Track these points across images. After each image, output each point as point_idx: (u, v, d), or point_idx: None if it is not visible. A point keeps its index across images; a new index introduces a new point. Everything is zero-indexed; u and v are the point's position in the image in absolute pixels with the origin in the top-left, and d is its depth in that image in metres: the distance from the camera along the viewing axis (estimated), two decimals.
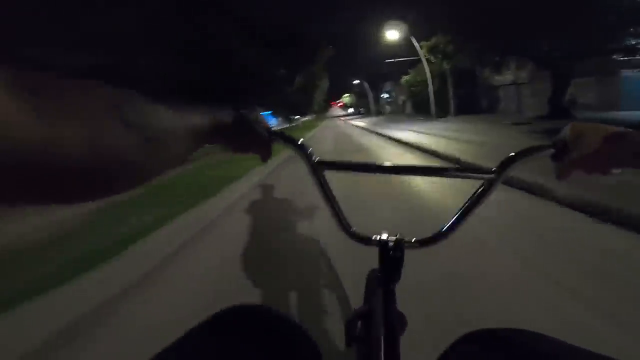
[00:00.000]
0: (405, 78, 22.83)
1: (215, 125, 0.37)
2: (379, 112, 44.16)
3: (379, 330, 0.41)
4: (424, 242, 0.49)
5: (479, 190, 0.46)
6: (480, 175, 0.46)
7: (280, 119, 27.35)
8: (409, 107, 32.26)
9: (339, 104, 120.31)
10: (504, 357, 0.37)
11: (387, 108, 43.51)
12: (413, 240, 0.49)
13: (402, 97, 35.50)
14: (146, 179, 0.25)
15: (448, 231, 0.47)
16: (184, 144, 0.30)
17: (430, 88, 17.44)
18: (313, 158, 0.49)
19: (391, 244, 0.48)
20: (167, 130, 0.27)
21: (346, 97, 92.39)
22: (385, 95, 46.35)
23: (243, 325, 0.44)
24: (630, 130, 0.38)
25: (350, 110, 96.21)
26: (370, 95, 45.82)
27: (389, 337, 0.41)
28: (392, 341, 0.40)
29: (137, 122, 0.23)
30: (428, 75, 17.23)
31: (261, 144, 0.45)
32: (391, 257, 0.47)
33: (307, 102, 28.44)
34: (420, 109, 22.14)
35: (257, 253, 2.25)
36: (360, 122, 25.52)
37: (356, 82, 47.17)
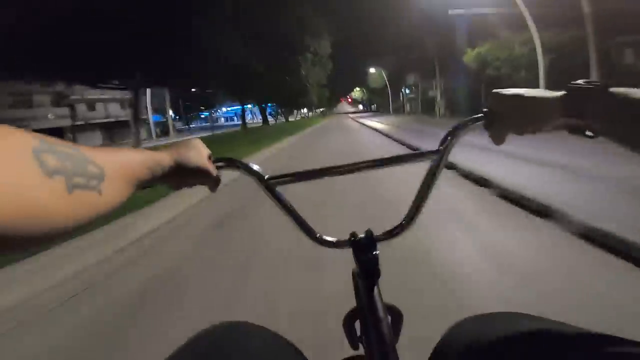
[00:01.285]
0: (478, 50, 13.56)
1: (152, 166, 0.35)
2: (398, 111, 35.79)
3: (375, 327, 0.41)
4: (394, 232, 0.51)
5: (430, 170, 0.48)
6: (427, 156, 0.49)
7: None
8: (440, 108, 24.16)
9: (349, 100, 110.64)
10: (502, 341, 0.38)
11: (406, 106, 35.22)
12: (383, 234, 0.50)
13: (432, 92, 27.21)
14: (68, 232, 0.23)
15: (413, 216, 0.50)
16: (115, 189, 0.28)
17: (541, 62, 9.06)
18: (262, 176, 0.49)
19: (363, 240, 0.48)
20: (95, 175, 0.25)
21: (357, 91, 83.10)
22: (407, 91, 37.95)
23: (228, 343, 0.44)
24: (550, 92, 0.40)
25: (360, 107, 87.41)
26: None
27: (382, 333, 0.41)
28: (389, 336, 0.41)
29: (58, 169, 0.21)
30: (538, 45, 8.87)
31: (207, 176, 0.44)
32: (367, 255, 0.46)
33: (298, 95, 23.67)
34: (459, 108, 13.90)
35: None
36: (375, 123, 18.72)
37: (372, 70, 38.65)
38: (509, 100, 0.43)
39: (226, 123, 64.93)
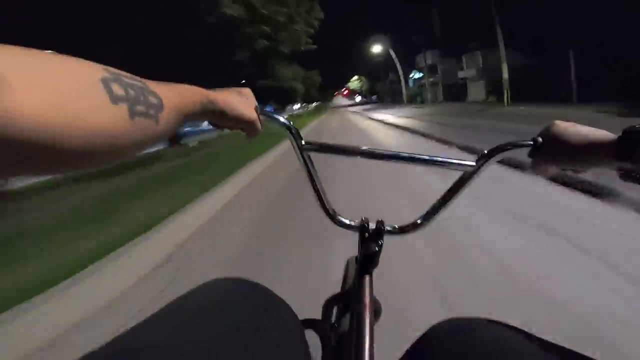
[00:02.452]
0: None
1: (203, 103, 0.37)
2: (408, 101, 28.52)
3: (354, 316, 0.42)
4: (404, 230, 0.51)
5: (459, 180, 0.48)
6: (461, 166, 0.47)
7: None
8: (475, 93, 17.06)
9: (344, 92, 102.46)
10: (474, 346, 0.38)
11: (412, 97, 27.95)
12: (393, 227, 0.50)
13: (463, 73, 20.04)
14: (128, 154, 0.25)
15: (428, 218, 0.50)
16: (171, 119, 0.30)
17: None
18: (300, 139, 0.49)
19: (372, 229, 0.48)
20: (154, 106, 0.26)
21: (354, 81, 74.69)
22: (417, 75, 30.68)
23: (223, 296, 0.45)
24: (605, 132, 0.40)
25: (358, 98, 79.48)
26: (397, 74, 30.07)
27: (362, 322, 0.41)
28: (365, 327, 0.40)
29: (123, 97, 0.23)
30: None
31: (249, 121, 0.45)
32: (370, 244, 0.47)
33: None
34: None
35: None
36: (394, 118, 12.14)
37: (377, 49, 31.00)
38: (566, 133, 0.42)
39: None
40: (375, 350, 0.37)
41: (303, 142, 0.48)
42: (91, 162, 0.22)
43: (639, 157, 0.35)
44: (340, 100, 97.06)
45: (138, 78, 0.26)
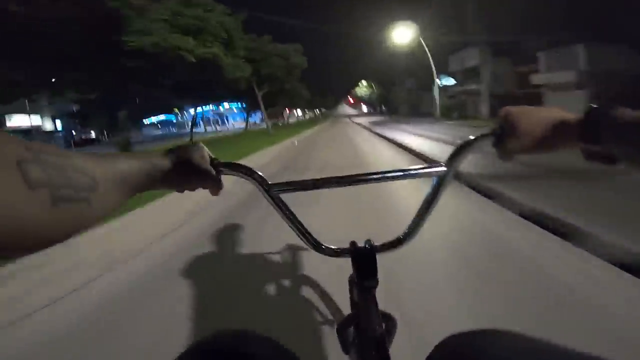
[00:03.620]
0: None
1: (150, 171, 0.34)
2: (426, 114, 20.42)
3: (370, 334, 0.43)
4: (393, 244, 0.51)
5: (434, 187, 0.48)
6: (433, 171, 0.48)
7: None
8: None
9: (349, 101, 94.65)
10: (489, 359, 0.37)
11: (434, 109, 19.82)
12: (383, 245, 0.51)
13: (564, 75, 12.08)
14: (53, 242, 0.22)
15: (414, 229, 0.50)
16: (107, 198, 0.27)
17: None
18: (266, 183, 0.48)
19: (363, 250, 0.49)
20: (83, 186, 0.24)
21: (362, 87, 66.37)
22: (446, 82, 22.80)
23: (228, 352, 0.43)
24: (565, 113, 0.40)
25: (365, 108, 71.46)
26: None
27: (379, 339, 0.42)
28: (383, 343, 0.42)
29: (43, 182, 0.20)
30: None
31: (208, 179, 0.43)
32: (365, 264, 0.47)
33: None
34: None
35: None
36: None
37: (401, 38, 22.25)
38: (523, 118, 0.42)
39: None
40: None
41: (270, 185, 0.48)
42: (7, 255, 0.20)
43: (603, 137, 0.34)
44: (344, 109, 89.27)
45: (66, 154, 0.23)
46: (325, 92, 60.72)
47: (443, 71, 22.76)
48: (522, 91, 15.42)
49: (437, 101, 19.04)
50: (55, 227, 0.21)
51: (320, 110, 62.24)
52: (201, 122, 45.43)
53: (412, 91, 32.22)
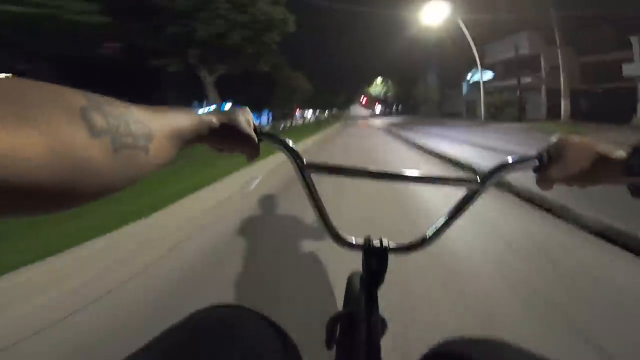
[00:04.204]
0: None
1: (199, 127, 0.35)
2: (456, 115, 16.52)
3: (361, 334, 0.43)
4: (408, 248, 0.50)
5: (464, 197, 0.47)
6: (465, 183, 0.47)
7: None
8: None
9: (363, 101, 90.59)
10: None
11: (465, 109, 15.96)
12: (397, 246, 0.50)
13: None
14: (115, 189, 0.23)
15: (433, 237, 0.48)
16: (163, 148, 0.28)
17: None
18: (301, 160, 0.48)
19: (376, 247, 0.48)
20: (142, 135, 0.25)
21: (377, 85, 62.36)
22: (489, 76, 19.04)
23: (221, 325, 0.43)
24: (613, 147, 0.38)
25: (378, 108, 67.54)
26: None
27: (370, 340, 0.42)
28: (373, 345, 0.42)
29: (105, 129, 0.21)
30: None
31: (249, 143, 0.43)
32: (375, 262, 0.47)
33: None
34: None
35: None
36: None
37: (432, 18, 17.09)
38: (573, 147, 0.40)
39: None
40: None
41: (305, 163, 0.47)
42: (73, 202, 0.20)
43: None
44: (357, 109, 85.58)
45: (126, 105, 0.24)
46: (336, 89, 57.18)
47: (474, 65, 19.11)
48: (603, 86, 11.68)
49: (482, 99, 15.31)
50: (116, 174, 0.22)
51: (330, 110, 58.73)
52: None
53: (435, 89, 28.48)
